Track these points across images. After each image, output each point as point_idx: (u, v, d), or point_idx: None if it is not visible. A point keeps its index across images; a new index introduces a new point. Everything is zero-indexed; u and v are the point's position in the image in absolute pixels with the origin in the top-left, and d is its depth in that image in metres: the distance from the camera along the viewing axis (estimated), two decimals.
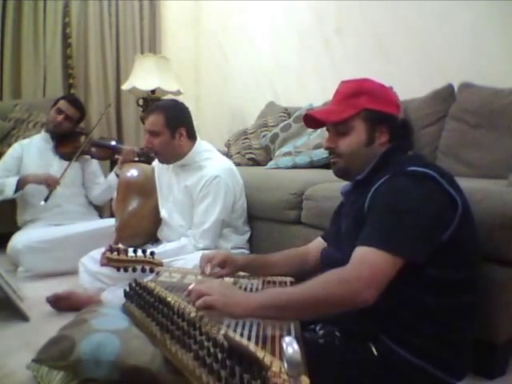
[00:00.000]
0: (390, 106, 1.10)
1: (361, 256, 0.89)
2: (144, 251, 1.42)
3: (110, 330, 0.96)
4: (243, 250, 1.98)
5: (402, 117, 1.15)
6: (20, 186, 2.29)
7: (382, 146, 1.09)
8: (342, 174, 1.15)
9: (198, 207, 1.84)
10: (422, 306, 0.93)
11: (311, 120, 1.15)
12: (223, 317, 0.91)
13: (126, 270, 1.41)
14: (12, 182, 2.28)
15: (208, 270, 1.21)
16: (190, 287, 0.98)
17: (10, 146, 2.57)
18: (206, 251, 1.58)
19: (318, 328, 0.96)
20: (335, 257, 1.08)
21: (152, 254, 1.42)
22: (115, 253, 1.43)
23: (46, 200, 2.28)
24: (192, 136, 1.91)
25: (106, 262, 1.47)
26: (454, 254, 0.94)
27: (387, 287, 0.87)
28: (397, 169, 0.98)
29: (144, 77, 3.19)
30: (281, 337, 0.85)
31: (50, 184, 2.30)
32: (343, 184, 1.22)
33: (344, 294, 0.85)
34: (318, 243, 1.31)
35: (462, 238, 0.95)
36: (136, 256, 1.40)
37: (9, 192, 2.27)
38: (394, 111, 1.11)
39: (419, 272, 0.91)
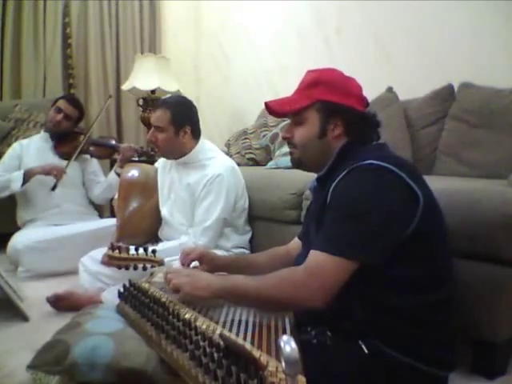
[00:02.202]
0: (348, 98, 1.05)
1: (313, 261, 0.90)
2: (145, 249, 1.42)
3: (105, 332, 0.96)
4: (243, 250, 1.99)
5: (366, 110, 1.10)
6: (26, 178, 2.30)
7: (336, 139, 1.06)
8: (296, 164, 1.14)
9: (199, 205, 1.84)
10: (394, 307, 0.92)
11: (270, 108, 1.13)
12: (193, 300, 1.00)
13: (127, 269, 1.41)
14: (18, 175, 2.29)
15: (186, 261, 1.24)
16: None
17: (9, 145, 2.57)
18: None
19: (309, 328, 0.97)
20: None
21: (153, 252, 1.42)
22: (116, 251, 1.43)
23: (53, 188, 2.32)
24: (196, 135, 1.91)
25: (108, 260, 1.47)
26: (421, 251, 0.93)
27: (357, 290, 0.88)
28: (354, 163, 0.95)
29: (144, 77, 3.19)
30: (276, 336, 0.85)
31: (57, 173, 2.32)
32: (311, 180, 1.21)
33: (294, 298, 0.89)
34: (297, 243, 1.30)
35: (426, 233, 0.92)
36: (137, 254, 1.40)
37: (16, 186, 2.28)
38: (352, 103, 1.06)
39: (385, 272, 0.90)
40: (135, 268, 1.38)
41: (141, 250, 1.39)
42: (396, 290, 0.92)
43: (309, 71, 1.11)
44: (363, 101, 1.10)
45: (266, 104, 1.12)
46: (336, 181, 0.96)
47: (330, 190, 0.97)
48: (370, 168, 0.92)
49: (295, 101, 1.07)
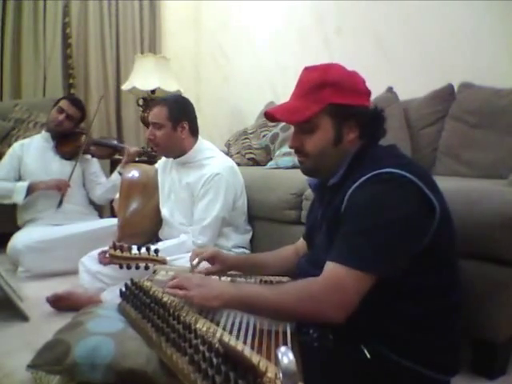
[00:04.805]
0: (359, 97, 1.00)
1: (333, 274, 0.86)
2: (148, 248, 1.41)
3: (105, 332, 0.96)
4: (244, 250, 1.99)
5: (373, 106, 1.03)
6: (30, 192, 2.32)
7: (351, 143, 1.00)
8: (310, 173, 1.09)
9: (198, 204, 1.84)
10: (405, 314, 0.91)
11: (275, 119, 1.05)
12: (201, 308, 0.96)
13: (128, 268, 1.41)
14: (22, 188, 2.30)
15: (195, 261, 1.22)
16: (170, 282, 1.00)
17: (10, 146, 2.57)
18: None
19: (311, 331, 0.95)
20: (311, 271, 1.04)
21: (156, 251, 1.41)
22: (119, 250, 1.43)
23: (59, 205, 2.37)
24: (194, 132, 1.92)
25: (110, 258, 1.46)
26: (433, 259, 0.91)
27: (368, 299, 0.86)
28: (371, 170, 0.90)
29: (144, 77, 3.19)
30: (277, 341, 0.85)
31: (62, 188, 2.35)
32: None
33: (314, 312, 0.86)
34: (304, 243, 1.28)
35: (440, 243, 0.91)
36: (140, 253, 1.40)
37: (18, 198, 2.30)
38: (362, 101, 1.00)
39: (399, 281, 0.89)
40: (137, 267, 1.38)
41: (143, 250, 1.39)
42: (404, 297, 0.91)
43: (307, 69, 1.03)
44: (369, 95, 1.04)
45: (267, 112, 1.05)
46: (353, 188, 0.92)
47: (346, 196, 0.92)
48: (390, 178, 0.88)
49: (304, 107, 0.98)
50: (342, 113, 0.98)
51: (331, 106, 0.97)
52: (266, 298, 0.89)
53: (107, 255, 1.51)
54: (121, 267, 1.42)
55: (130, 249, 1.43)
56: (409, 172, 0.89)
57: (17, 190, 2.31)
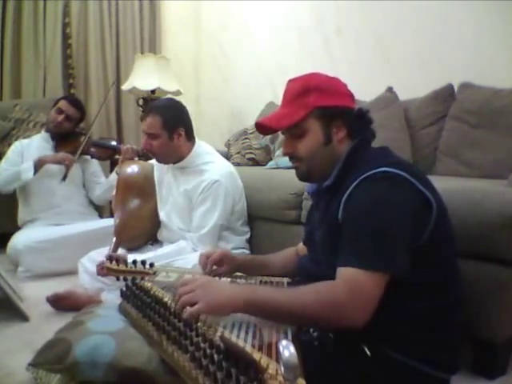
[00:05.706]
0: (342, 99, 1.04)
1: (351, 279, 0.85)
2: (143, 262, 1.40)
3: (106, 331, 0.96)
4: (244, 250, 1.98)
5: (358, 107, 1.08)
6: (37, 167, 2.32)
7: (341, 143, 1.04)
8: (306, 177, 1.11)
9: (196, 211, 1.82)
10: (405, 312, 0.92)
11: (264, 127, 1.08)
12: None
13: (125, 280, 1.40)
14: (29, 165, 2.31)
15: (208, 267, 1.22)
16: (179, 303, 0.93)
17: (10, 145, 2.57)
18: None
19: (311, 330, 0.95)
20: (312, 269, 1.07)
21: (151, 265, 1.40)
22: (114, 262, 1.42)
23: (64, 179, 2.37)
24: (191, 136, 1.88)
25: (106, 272, 1.45)
26: (433, 256, 0.92)
27: None
28: (366, 170, 0.92)
29: (144, 77, 3.19)
30: (277, 339, 0.85)
31: (68, 162, 2.36)
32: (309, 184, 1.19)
33: (337, 319, 0.84)
34: (304, 247, 1.29)
35: (438, 239, 0.92)
36: (135, 267, 1.38)
37: (28, 175, 2.30)
38: (346, 103, 1.05)
39: (400, 279, 0.88)
40: (133, 280, 1.37)
41: (139, 264, 1.37)
42: (405, 294, 0.91)
43: (291, 80, 1.08)
44: (353, 97, 1.08)
45: (258, 123, 1.08)
46: (349, 190, 0.93)
47: (343, 199, 0.94)
48: (385, 176, 0.90)
49: (291, 113, 1.02)
50: (328, 114, 1.03)
51: (317, 109, 1.02)
52: (283, 303, 0.86)
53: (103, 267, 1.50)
54: (117, 279, 1.41)
55: (125, 261, 1.41)
56: (402, 170, 0.91)
57: (23, 169, 2.31)
